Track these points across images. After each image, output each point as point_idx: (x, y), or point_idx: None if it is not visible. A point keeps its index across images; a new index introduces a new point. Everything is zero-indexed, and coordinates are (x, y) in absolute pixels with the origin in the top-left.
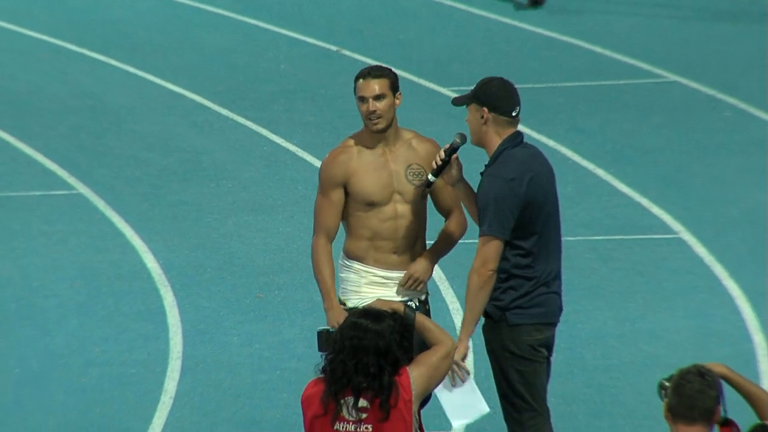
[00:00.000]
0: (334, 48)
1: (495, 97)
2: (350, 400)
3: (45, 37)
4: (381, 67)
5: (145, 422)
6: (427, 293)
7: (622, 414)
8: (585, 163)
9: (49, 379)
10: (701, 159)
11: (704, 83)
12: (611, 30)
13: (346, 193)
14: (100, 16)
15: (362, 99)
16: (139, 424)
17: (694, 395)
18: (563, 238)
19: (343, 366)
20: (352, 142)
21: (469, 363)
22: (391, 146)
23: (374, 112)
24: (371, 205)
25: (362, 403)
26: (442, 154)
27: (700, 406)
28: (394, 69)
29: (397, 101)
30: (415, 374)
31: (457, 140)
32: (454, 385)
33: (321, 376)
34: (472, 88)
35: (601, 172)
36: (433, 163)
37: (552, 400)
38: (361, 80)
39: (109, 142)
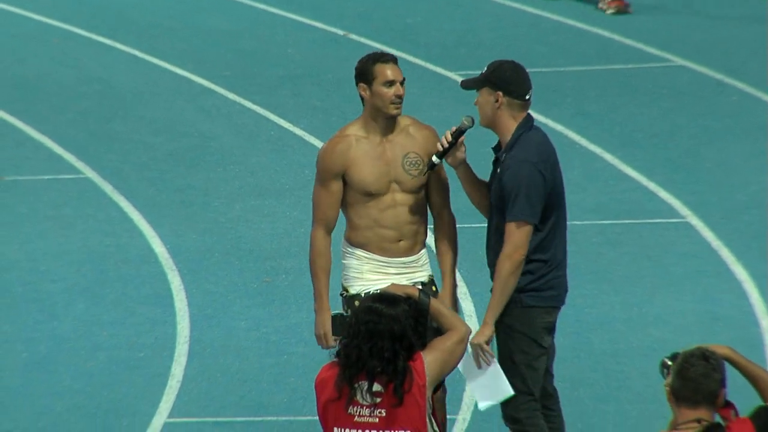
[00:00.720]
0: (341, 32)
1: (509, 80)
2: (364, 384)
3: (54, 22)
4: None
5: (153, 406)
6: (431, 275)
7: (628, 398)
8: (592, 147)
9: (56, 363)
10: (708, 143)
11: (711, 67)
12: (619, 14)
13: (345, 183)
14: (109, 1)
15: (390, 83)
16: (146, 407)
17: (698, 379)
18: (571, 223)
19: (358, 350)
20: (349, 130)
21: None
22: (389, 134)
23: (401, 96)
24: (369, 195)
25: (376, 387)
26: (449, 136)
27: (704, 390)
28: (401, 53)
29: None
30: (429, 359)
31: (466, 123)
32: (479, 367)
33: (335, 360)
34: (482, 71)
35: (608, 157)
36: (439, 145)
37: (558, 384)
38: (382, 64)
39: (116, 127)
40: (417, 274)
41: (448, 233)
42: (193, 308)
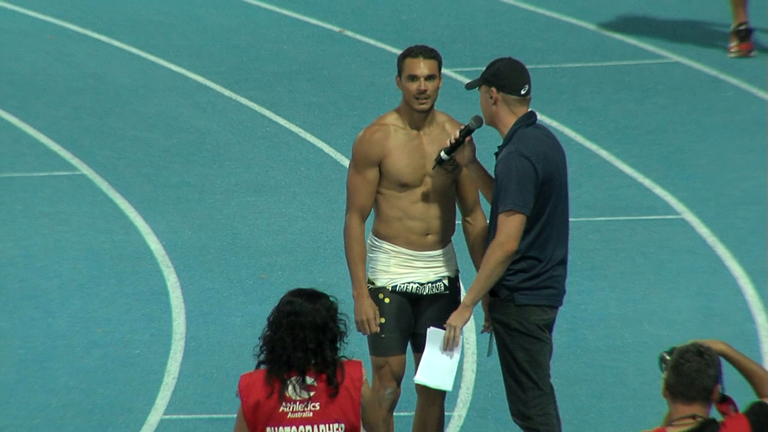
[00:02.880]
0: (336, 29)
1: (502, 76)
2: (296, 379)
3: (48, 18)
4: (430, 48)
5: (148, 403)
6: (458, 270)
7: (625, 395)
8: (588, 143)
9: (52, 360)
10: (704, 139)
11: (706, 63)
12: (614, 10)
13: (379, 172)
14: None
15: (413, 78)
16: (142, 404)
17: (692, 374)
18: None
19: (282, 343)
20: (388, 119)
21: (471, 342)
22: (426, 128)
23: (424, 91)
24: (403, 186)
25: (309, 380)
26: (457, 134)
27: (698, 386)
28: (397, 50)
29: (440, 83)
30: (365, 389)
31: (473, 123)
32: (444, 348)
33: (254, 370)
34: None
35: (604, 153)
36: (447, 142)
37: (555, 381)
38: (411, 58)
39: (111, 123)
40: (443, 269)
41: (479, 233)
42: (189, 305)
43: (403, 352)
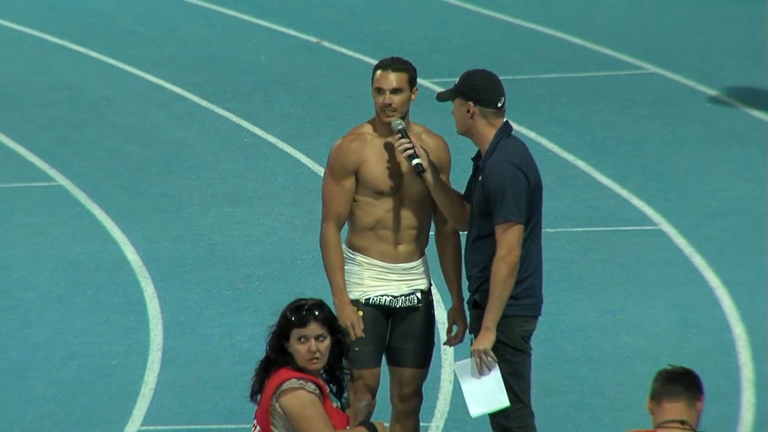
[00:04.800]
0: (313, 39)
1: (479, 90)
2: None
3: (25, 29)
4: (402, 60)
5: (126, 414)
6: (431, 283)
7: (602, 405)
8: (565, 154)
9: (29, 371)
10: (681, 150)
11: (684, 74)
12: (591, 21)
13: (355, 181)
14: (80, 7)
15: (379, 90)
16: (119, 415)
17: (678, 376)
18: (544, 230)
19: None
20: (364, 129)
21: (449, 354)
22: None
23: (389, 105)
24: (379, 193)
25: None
26: (406, 142)
27: (684, 382)
28: (373, 61)
29: (413, 96)
30: (287, 399)
31: (398, 127)
32: (481, 373)
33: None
34: (456, 81)
35: (581, 164)
36: (405, 151)
37: (533, 392)
38: (380, 71)
39: (89, 134)
40: (417, 282)
41: (452, 245)
42: (167, 316)
43: (378, 365)
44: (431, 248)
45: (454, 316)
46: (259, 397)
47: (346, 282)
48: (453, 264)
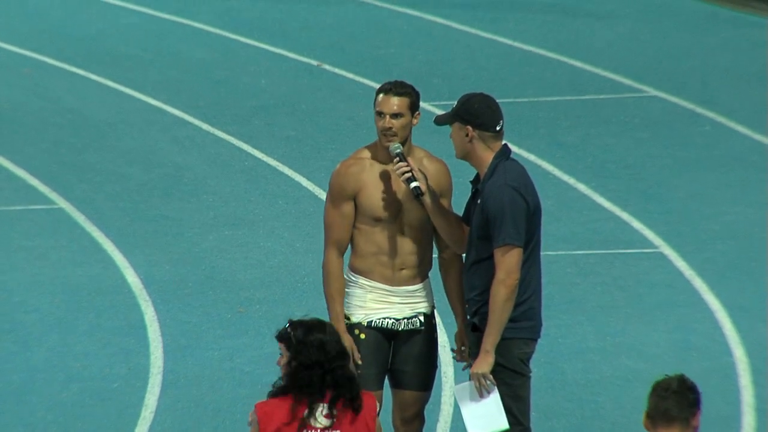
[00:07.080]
0: (314, 63)
1: (478, 114)
2: (322, 406)
3: (26, 52)
4: (404, 84)
5: None
6: (434, 306)
7: (603, 428)
8: (566, 177)
9: (29, 394)
10: (681, 173)
11: (684, 97)
12: (592, 44)
13: (355, 206)
14: (81, 31)
15: (380, 114)
16: None
17: (671, 396)
18: (544, 253)
19: (308, 369)
20: (364, 153)
21: (449, 377)
22: None
23: (390, 129)
24: (377, 220)
25: (331, 407)
26: (401, 165)
27: (677, 406)
28: (374, 84)
29: (415, 121)
30: (378, 422)
31: (396, 151)
32: (480, 396)
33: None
34: (454, 105)
35: (581, 187)
36: (404, 175)
37: (533, 415)
38: (382, 95)
39: (89, 158)
40: (420, 305)
41: (455, 269)
42: (167, 339)
43: (380, 387)
44: (435, 272)
45: (462, 338)
46: (357, 409)
47: (348, 305)
48: (457, 287)
